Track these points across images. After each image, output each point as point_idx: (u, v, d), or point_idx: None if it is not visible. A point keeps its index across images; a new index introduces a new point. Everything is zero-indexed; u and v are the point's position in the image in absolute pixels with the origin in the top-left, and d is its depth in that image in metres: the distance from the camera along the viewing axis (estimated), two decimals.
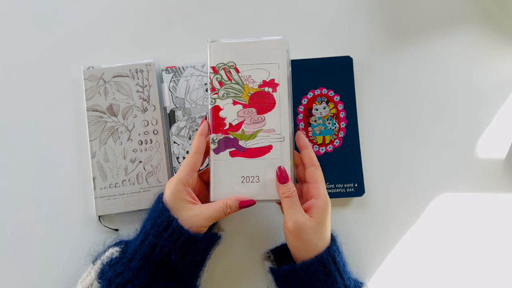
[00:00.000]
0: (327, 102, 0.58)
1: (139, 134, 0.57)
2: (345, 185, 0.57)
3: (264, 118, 0.50)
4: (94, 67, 0.57)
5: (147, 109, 0.57)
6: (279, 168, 0.49)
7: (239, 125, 0.50)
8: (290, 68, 0.52)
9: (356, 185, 0.57)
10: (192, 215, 0.46)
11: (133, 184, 0.56)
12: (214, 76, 0.51)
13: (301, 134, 0.51)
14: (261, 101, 0.50)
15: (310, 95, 0.59)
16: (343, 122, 0.58)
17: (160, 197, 0.49)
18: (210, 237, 0.48)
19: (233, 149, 0.50)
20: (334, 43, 0.62)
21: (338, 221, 0.58)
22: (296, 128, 0.55)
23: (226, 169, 0.50)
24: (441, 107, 0.61)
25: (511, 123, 0.61)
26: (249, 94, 0.51)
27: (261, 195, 0.49)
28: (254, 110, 0.50)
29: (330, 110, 0.58)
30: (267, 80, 0.51)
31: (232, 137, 0.50)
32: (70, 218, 0.57)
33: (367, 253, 0.58)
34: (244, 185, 0.49)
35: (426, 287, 0.58)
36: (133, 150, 0.56)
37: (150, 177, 0.56)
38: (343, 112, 0.58)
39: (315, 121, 0.58)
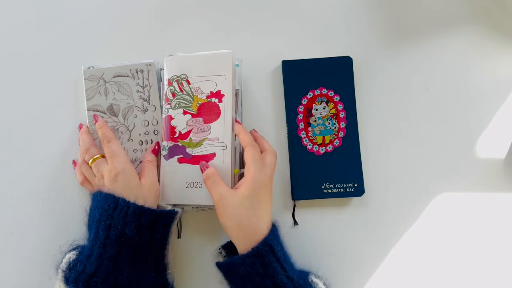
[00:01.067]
0: (327, 102, 0.58)
1: (140, 134, 0.57)
2: (345, 185, 0.57)
3: (210, 127, 0.54)
4: (94, 67, 0.57)
5: (147, 109, 0.57)
6: (201, 163, 0.53)
7: (187, 134, 0.54)
8: (240, 81, 0.56)
9: (356, 185, 0.57)
10: (149, 187, 0.51)
11: None
12: (168, 88, 0.55)
13: (235, 123, 0.54)
14: (208, 111, 0.54)
15: (310, 95, 0.59)
16: (343, 122, 0.58)
17: (96, 194, 0.50)
18: (164, 211, 0.50)
19: (181, 156, 0.54)
20: (334, 43, 0.62)
21: (338, 221, 0.59)
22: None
23: (173, 175, 0.54)
24: (441, 107, 0.61)
25: (511, 123, 0.61)
26: (198, 105, 0.54)
27: (202, 200, 0.53)
28: (201, 119, 0.54)
29: (330, 110, 0.58)
30: (214, 91, 0.54)
31: (180, 144, 0.54)
32: (70, 218, 0.57)
33: (367, 253, 0.58)
34: (188, 189, 0.53)
35: (426, 287, 0.58)
36: (133, 150, 0.56)
37: None
38: (343, 112, 0.58)
39: (315, 121, 0.58)
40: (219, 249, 0.53)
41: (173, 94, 0.54)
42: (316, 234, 0.58)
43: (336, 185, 0.57)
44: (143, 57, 0.59)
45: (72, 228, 0.57)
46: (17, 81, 0.60)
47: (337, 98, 0.59)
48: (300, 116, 0.58)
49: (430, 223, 0.59)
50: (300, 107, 0.59)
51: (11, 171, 0.58)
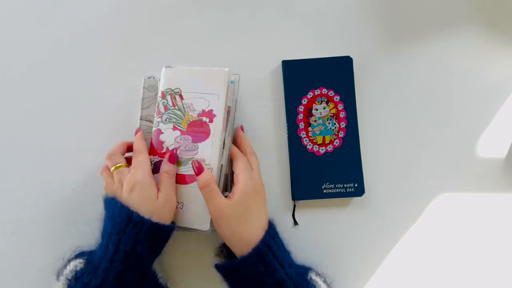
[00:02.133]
0: (327, 102, 0.58)
1: None
2: (345, 185, 0.57)
3: (198, 147, 0.52)
4: (154, 78, 0.57)
5: None
6: (193, 161, 0.51)
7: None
8: (235, 97, 0.54)
9: (356, 185, 0.57)
10: (164, 202, 0.49)
11: None
12: (161, 101, 0.53)
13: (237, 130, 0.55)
14: (197, 130, 0.52)
15: (310, 95, 0.59)
16: (343, 122, 0.58)
17: (110, 201, 0.49)
18: (173, 226, 0.49)
19: None
20: (334, 43, 0.62)
21: (338, 221, 0.59)
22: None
23: None
24: (441, 107, 0.61)
25: (511, 123, 0.61)
26: (188, 122, 0.52)
27: (183, 221, 0.51)
28: (189, 137, 0.52)
29: (330, 110, 0.58)
30: (206, 110, 0.52)
31: None
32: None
33: (367, 253, 0.58)
34: None
35: (426, 287, 0.58)
36: None
37: None
38: (343, 112, 0.58)
39: (315, 121, 0.58)
40: (220, 247, 0.53)
41: (165, 108, 0.52)
42: (316, 234, 0.58)
43: (336, 185, 0.57)
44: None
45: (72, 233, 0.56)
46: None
47: (337, 98, 0.59)
48: (300, 116, 0.58)
49: (430, 223, 0.59)
50: (300, 107, 0.59)
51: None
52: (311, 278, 0.50)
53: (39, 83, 0.60)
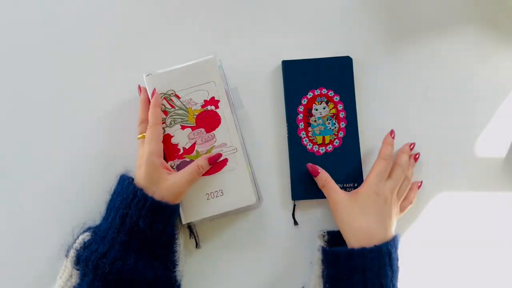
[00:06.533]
0: (327, 102, 0.59)
1: None
2: (345, 185, 0.57)
3: (214, 135, 0.53)
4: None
5: None
6: (307, 165, 0.55)
7: (192, 147, 0.53)
8: (227, 82, 0.55)
9: (356, 185, 0.57)
10: (169, 185, 0.50)
11: None
12: None
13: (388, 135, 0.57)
14: (207, 120, 0.54)
15: (310, 95, 0.59)
16: (343, 122, 0.58)
17: (123, 177, 0.52)
18: (177, 206, 0.51)
19: None
20: (334, 43, 0.62)
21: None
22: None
23: (190, 191, 0.52)
24: (441, 106, 0.61)
25: (511, 122, 0.61)
26: (195, 116, 0.53)
27: (228, 206, 0.53)
28: (202, 130, 0.53)
29: (330, 110, 0.58)
30: (208, 99, 0.54)
31: (188, 160, 0.53)
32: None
33: None
34: (210, 201, 0.52)
35: (425, 287, 0.58)
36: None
37: None
38: (343, 112, 0.58)
39: (315, 121, 0.58)
40: (324, 232, 0.55)
41: (165, 112, 0.53)
42: (316, 234, 0.58)
43: None
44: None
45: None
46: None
47: (337, 98, 0.59)
48: (300, 116, 0.58)
49: (430, 223, 0.59)
50: (300, 107, 0.59)
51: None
52: None
53: (38, 83, 0.60)
